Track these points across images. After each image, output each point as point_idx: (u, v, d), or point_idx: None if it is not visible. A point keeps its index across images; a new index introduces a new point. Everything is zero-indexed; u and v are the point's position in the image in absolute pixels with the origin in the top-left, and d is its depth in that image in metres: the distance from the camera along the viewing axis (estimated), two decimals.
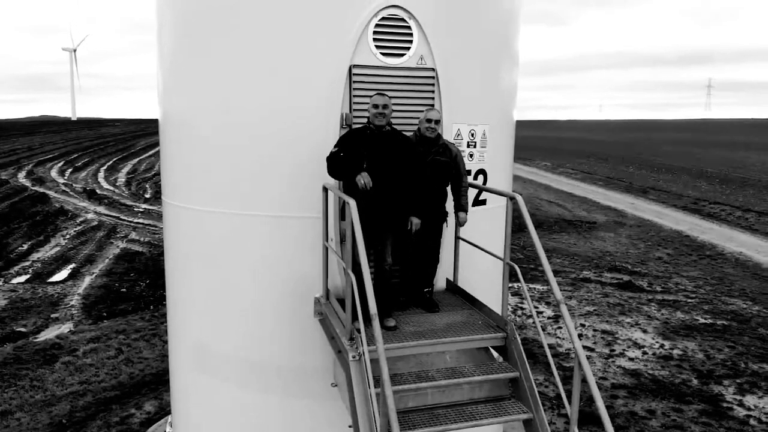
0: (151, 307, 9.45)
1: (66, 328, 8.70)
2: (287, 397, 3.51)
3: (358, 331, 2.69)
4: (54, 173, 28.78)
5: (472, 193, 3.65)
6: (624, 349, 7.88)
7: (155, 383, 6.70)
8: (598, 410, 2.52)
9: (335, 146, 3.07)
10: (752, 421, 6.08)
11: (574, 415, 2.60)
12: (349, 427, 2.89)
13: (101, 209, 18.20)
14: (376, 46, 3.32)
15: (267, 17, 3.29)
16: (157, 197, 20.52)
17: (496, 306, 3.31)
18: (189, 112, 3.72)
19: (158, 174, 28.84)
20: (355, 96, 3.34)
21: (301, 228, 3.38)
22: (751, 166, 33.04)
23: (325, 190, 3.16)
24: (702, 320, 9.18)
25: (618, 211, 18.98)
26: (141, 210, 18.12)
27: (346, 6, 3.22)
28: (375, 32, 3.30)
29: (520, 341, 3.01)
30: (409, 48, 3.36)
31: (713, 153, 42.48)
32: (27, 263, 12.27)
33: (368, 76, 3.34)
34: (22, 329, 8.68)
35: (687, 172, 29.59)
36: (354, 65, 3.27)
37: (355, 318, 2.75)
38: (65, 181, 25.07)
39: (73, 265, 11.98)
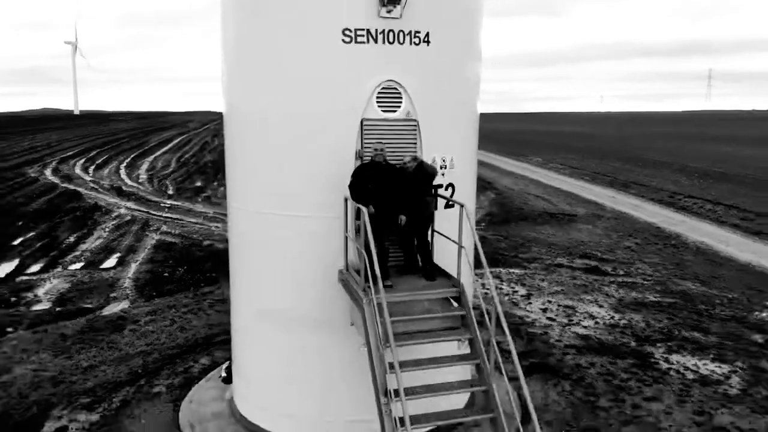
0: (192, 288, 11.14)
1: (125, 304, 10.39)
2: (321, 335, 5.25)
3: (369, 287, 4.33)
4: (78, 170, 30.51)
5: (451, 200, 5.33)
6: (580, 320, 9.53)
7: (205, 344, 8.39)
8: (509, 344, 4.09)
9: (352, 176, 4.81)
10: (672, 372, 7.73)
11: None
12: (362, 346, 4.56)
13: (131, 205, 19.89)
14: (378, 106, 5.01)
15: (310, 91, 4.96)
16: (179, 193, 22.20)
17: (465, 279, 4.97)
18: (255, 142, 5.42)
19: (175, 171, 30.53)
20: (365, 139, 5.05)
21: (330, 224, 5.07)
22: (734, 160, 34.53)
23: (346, 200, 4.83)
24: (652, 298, 10.82)
25: (598, 204, 20.60)
26: (167, 206, 19.80)
27: (360, 81, 4.89)
28: (378, 97, 4.98)
29: (468, 296, 4.67)
30: (400, 106, 5.04)
31: (701, 148, 43.95)
32: (78, 253, 13.98)
33: (373, 126, 5.08)
34: (89, 306, 10.37)
35: (669, 167, 31.15)
36: (365, 119, 4.98)
37: (366, 280, 4.40)
38: (92, 179, 26.78)
39: (118, 254, 13.68)
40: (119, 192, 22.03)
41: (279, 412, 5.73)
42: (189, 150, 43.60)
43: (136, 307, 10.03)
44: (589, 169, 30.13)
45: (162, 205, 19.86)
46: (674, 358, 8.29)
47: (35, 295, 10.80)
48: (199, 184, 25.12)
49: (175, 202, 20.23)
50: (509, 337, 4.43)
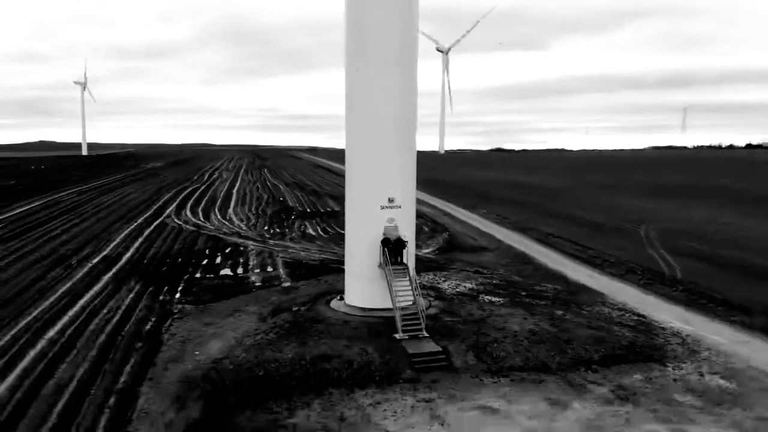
0: (313, 277, 26.61)
1: (289, 282, 25.86)
2: (372, 282, 20.44)
3: (384, 264, 19.87)
4: (189, 214, 45.98)
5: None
6: (460, 288, 25.03)
7: (326, 294, 23.87)
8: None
9: (381, 241, 20.24)
10: (483, 299, 23.16)
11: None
12: (386, 282, 20.08)
13: (252, 243, 35.25)
14: (383, 208, 20.54)
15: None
16: (272, 236, 37.73)
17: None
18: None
19: (259, 221, 45.73)
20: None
21: (375, 248, 20.75)
22: (616, 211, 50.16)
23: (381, 244, 20.51)
24: (493, 282, 26.36)
25: (499, 241, 36.23)
26: (272, 243, 35.27)
27: (375, 203, 20.50)
28: (382, 208, 20.50)
29: (411, 270, 20.26)
30: (400, 206, 20.60)
31: (614, 199, 59.84)
32: (252, 266, 29.51)
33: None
34: (276, 284, 25.88)
35: (566, 217, 46.50)
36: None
37: (385, 265, 19.93)
38: (214, 225, 41.89)
39: (270, 267, 29.18)
40: (239, 236, 37.67)
41: (359, 301, 21.26)
42: (252, 198, 59.43)
43: (294, 284, 25.60)
44: (510, 219, 45.58)
45: (269, 242, 35.51)
46: (486, 297, 23.75)
47: (252, 280, 26.41)
48: (278, 230, 40.69)
49: (275, 241, 35.89)
50: (415, 280, 19.96)
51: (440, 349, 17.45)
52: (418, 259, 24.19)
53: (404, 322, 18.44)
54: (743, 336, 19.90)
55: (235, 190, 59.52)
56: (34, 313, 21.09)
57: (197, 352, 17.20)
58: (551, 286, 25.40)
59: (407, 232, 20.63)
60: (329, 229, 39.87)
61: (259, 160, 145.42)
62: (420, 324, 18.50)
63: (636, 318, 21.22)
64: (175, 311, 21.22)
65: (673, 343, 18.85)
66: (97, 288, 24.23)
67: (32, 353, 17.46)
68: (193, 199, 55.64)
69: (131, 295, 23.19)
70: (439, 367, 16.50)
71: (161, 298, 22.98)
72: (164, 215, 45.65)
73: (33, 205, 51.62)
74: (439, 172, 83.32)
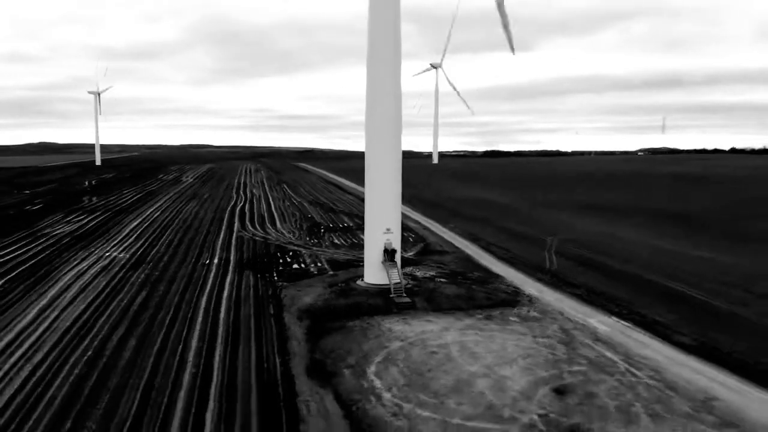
0: (348, 269, 45.78)
1: (331, 271, 45.09)
2: (378, 269, 39.39)
3: (384, 261, 39.09)
4: (252, 229, 65.44)
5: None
6: (424, 273, 44.35)
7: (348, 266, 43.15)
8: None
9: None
10: (436, 280, 42.42)
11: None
12: (384, 268, 39.33)
13: (302, 250, 54.60)
14: (384, 233, 39.94)
15: None
16: (313, 245, 57.02)
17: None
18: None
19: (301, 234, 64.97)
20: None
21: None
22: (548, 225, 69.52)
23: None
24: (445, 272, 45.62)
25: (457, 248, 55.54)
26: (315, 248, 54.49)
27: (379, 231, 39.91)
28: (383, 233, 39.87)
29: (398, 262, 39.58)
30: (392, 232, 39.91)
31: (548, 215, 79.25)
32: (319, 262, 48.78)
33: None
34: (325, 273, 45.11)
35: (507, 230, 65.91)
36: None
37: (384, 261, 39.15)
38: (273, 237, 61.48)
39: (320, 263, 48.38)
40: (293, 244, 56.91)
41: (371, 279, 40.51)
42: (289, 215, 78.75)
43: (335, 272, 44.79)
44: (469, 231, 64.90)
45: (313, 248, 54.83)
46: (438, 279, 43.00)
47: (311, 270, 45.70)
48: (315, 240, 59.95)
49: (316, 248, 55.22)
50: (400, 269, 39.27)
51: (410, 301, 36.31)
52: (403, 258, 43.35)
53: (394, 290, 37.56)
54: (565, 298, 39.07)
55: (273, 209, 79.11)
56: (208, 289, 40.34)
57: (299, 302, 36.56)
58: (477, 273, 44.70)
59: (396, 245, 39.87)
60: (348, 240, 59.32)
61: (275, 174, 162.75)
62: (402, 291, 37.66)
63: (513, 289, 40.43)
64: (279, 285, 40.59)
65: (524, 300, 37.91)
66: (230, 277, 43.52)
67: (222, 312, 36.69)
68: (246, 217, 75.16)
69: (252, 279, 42.59)
70: (409, 308, 35.67)
71: (268, 279, 42.38)
72: (236, 230, 65.13)
73: (136, 222, 71.03)
74: (425, 190, 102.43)
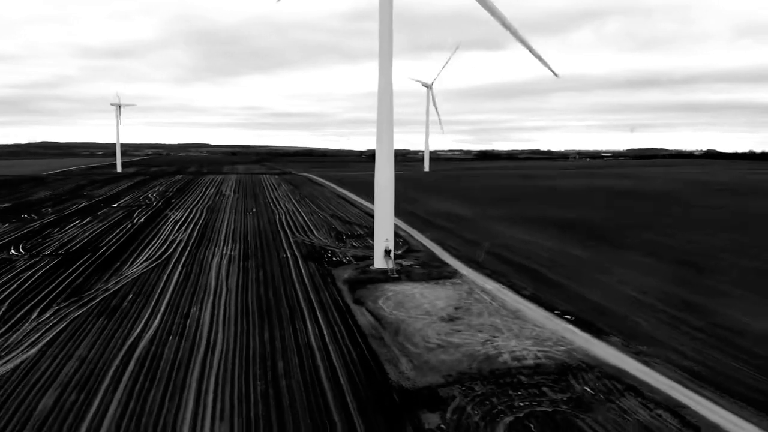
0: (363, 262, 78.02)
1: (354, 262, 77.29)
2: (382, 261, 72.02)
3: (384, 255, 71.37)
4: (300, 235, 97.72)
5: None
6: (405, 263, 76.69)
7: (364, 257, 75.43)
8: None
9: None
10: (412, 266, 74.61)
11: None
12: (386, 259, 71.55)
13: (336, 249, 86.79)
14: (384, 242, 72.38)
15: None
16: (340, 246, 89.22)
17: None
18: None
19: (328, 236, 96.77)
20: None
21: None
22: (490, 234, 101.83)
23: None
24: (418, 262, 77.91)
25: (427, 247, 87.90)
26: (343, 248, 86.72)
27: (382, 240, 72.28)
28: (384, 241, 72.26)
29: (392, 257, 71.92)
30: (389, 241, 72.24)
31: (495, 227, 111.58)
32: (346, 257, 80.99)
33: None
34: (353, 263, 77.33)
35: (462, 238, 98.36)
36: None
37: (384, 255, 71.39)
38: (314, 241, 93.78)
39: (348, 258, 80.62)
40: (330, 245, 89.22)
41: (377, 265, 72.77)
42: (322, 226, 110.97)
43: (357, 263, 77.11)
44: (437, 238, 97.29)
45: (342, 249, 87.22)
46: (414, 266, 75.14)
47: (344, 261, 78.02)
48: (341, 244, 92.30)
49: (344, 248, 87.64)
50: (393, 260, 71.65)
51: (398, 276, 66.69)
52: (395, 254, 75.70)
53: (390, 271, 69.45)
54: (479, 276, 71.06)
55: (308, 221, 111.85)
56: (293, 269, 72.57)
57: (342, 276, 68.77)
58: (435, 263, 76.38)
59: (391, 247, 72.17)
60: (362, 244, 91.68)
61: (295, 188, 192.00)
62: (394, 272, 69.65)
63: (453, 271, 72.66)
64: (328, 268, 72.87)
65: (456, 276, 69.79)
66: (301, 264, 75.73)
67: (305, 279, 69.23)
68: (293, 227, 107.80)
69: (314, 265, 74.88)
70: (397, 280, 67.33)
71: (323, 265, 74.80)
72: (292, 237, 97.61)
73: (225, 232, 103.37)
74: (413, 204, 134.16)
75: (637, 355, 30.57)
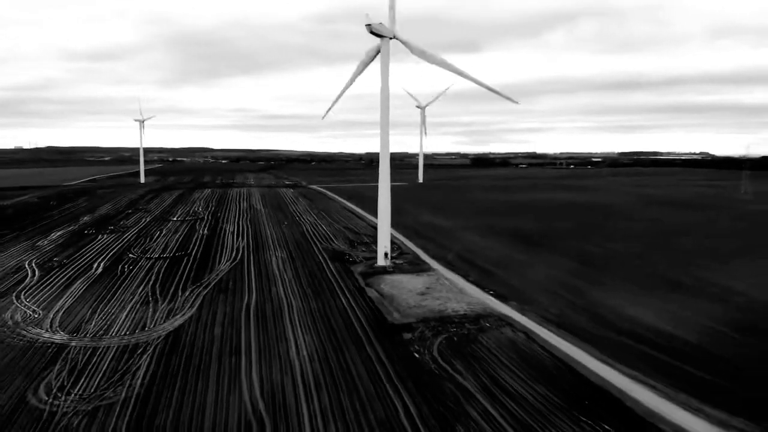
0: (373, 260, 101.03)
1: (365, 262, 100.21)
2: (383, 260, 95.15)
3: (384, 257, 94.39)
4: (332, 245, 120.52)
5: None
6: (397, 262, 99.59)
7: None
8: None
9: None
10: (402, 263, 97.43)
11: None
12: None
13: (353, 252, 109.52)
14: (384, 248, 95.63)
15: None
16: (354, 250, 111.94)
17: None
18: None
19: (342, 242, 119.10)
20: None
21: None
22: (461, 243, 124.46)
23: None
24: (407, 261, 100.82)
25: (414, 252, 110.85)
26: (356, 252, 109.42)
27: (383, 246, 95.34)
28: (384, 248, 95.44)
29: (389, 257, 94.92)
30: (387, 247, 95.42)
31: (468, 237, 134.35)
32: (359, 258, 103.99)
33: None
34: (366, 261, 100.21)
35: (441, 245, 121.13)
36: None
37: (384, 257, 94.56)
38: (341, 248, 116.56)
39: (362, 258, 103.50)
40: (345, 251, 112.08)
41: (380, 263, 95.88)
42: (341, 237, 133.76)
43: (367, 261, 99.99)
44: (423, 245, 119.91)
45: (354, 252, 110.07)
46: (404, 264, 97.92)
47: (360, 258, 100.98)
48: (354, 248, 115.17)
49: (356, 252, 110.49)
50: (390, 260, 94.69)
51: (393, 270, 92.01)
52: (391, 257, 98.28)
53: (387, 267, 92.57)
54: (447, 271, 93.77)
55: (329, 232, 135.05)
56: (325, 266, 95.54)
57: (357, 270, 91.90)
58: (418, 263, 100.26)
59: (388, 251, 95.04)
60: (368, 249, 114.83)
61: (311, 202, 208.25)
62: (390, 268, 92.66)
63: (428, 267, 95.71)
64: (347, 265, 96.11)
65: (432, 270, 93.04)
66: (330, 263, 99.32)
67: (334, 271, 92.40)
68: (318, 237, 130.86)
69: (338, 263, 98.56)
70: (392, 273, 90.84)
71: (344, 263, 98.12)
72: (320, 245, 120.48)
73: (272, 241, 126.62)
74: (405, 217, 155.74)
75: (521, 312, 55.49)
